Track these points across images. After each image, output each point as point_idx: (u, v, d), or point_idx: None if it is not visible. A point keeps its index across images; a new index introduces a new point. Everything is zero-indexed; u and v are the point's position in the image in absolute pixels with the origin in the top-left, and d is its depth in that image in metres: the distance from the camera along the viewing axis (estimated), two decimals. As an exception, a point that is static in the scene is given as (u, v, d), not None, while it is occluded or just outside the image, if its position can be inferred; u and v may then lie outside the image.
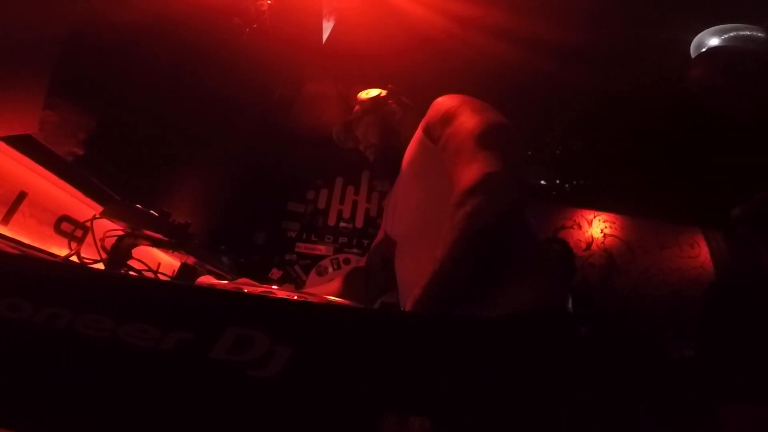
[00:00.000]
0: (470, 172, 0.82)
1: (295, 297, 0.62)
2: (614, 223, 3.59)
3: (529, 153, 3.29)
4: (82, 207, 1.34)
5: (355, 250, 3.13)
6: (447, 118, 0.98)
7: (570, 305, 0.83)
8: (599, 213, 3.62)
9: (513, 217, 0.83)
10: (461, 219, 0.77)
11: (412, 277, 0.93)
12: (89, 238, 1.06)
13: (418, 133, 1.08)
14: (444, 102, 1.04)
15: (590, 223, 3.57)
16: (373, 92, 1.33)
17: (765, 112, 2.23)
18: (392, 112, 1.29)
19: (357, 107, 1.34)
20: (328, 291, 1.23)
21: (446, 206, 0.83)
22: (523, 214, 0.92)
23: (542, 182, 3.59)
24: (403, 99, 1.32)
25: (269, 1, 1.83)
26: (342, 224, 3.21)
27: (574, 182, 3.56)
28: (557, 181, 3.58)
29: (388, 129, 1.27)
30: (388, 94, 1.32)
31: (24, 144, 1.07)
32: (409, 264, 1.02)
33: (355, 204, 3.30)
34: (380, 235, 1.39)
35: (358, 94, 1.34)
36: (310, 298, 0.70)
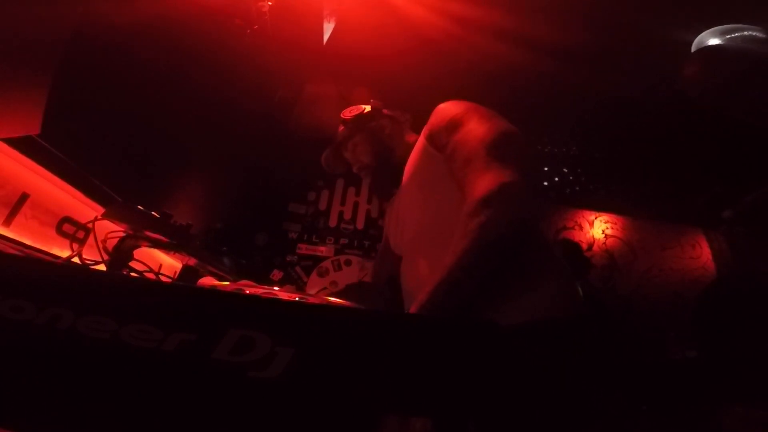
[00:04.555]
0: (484, 181, 0.81)
1: (297, 298, 0.62)
2: (615, 223, 3.59)
3: (540, 155, 3.30)
4: (84, 208, 1.35)
5: (356, 252, 3.13)
6: (453, 125, 0.96)
7: (582, 314, 0.82)
8: (600, 214, 3.62)
9: (527, 228, 0.82)
10: (474, 228, 0.76)
11: (418, 285, 0.92)
12: (91, 240, 1.06)
13: (421, 140, 1.06)
14: (448, 109, 1.01)
15: (591, 224, 3.57)
16: (356, 110, 1.28)
17: (759, 112, 2.23)
18: (381, 128, 1.25)
19: (341, 128, 1.29)
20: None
21: (454, 215, 0.82)
22: (536, 223, 0.91)
23: (543, 183, 3.59)
24: (386, 112, 1.28)
25: (270, 3, 1.84)
26: (343, 225, 3.21)
27: (576, 183, 3.56)
28: (558, 182, 3.58)
29: (379, 145, 1.23)
30: (372, 109, 1.27)
31: (26, 145, 1.07)
32: (415, 273, 1.00)
33: (356, 205, 3.30)
34: (382, 249, 1.37)
35: (341, 114, 1.29)
36: (312, 300, 0.70)
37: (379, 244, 1.41)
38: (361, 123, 1.26)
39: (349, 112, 1.28)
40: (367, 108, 1.28)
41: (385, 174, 1.23)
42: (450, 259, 0.75)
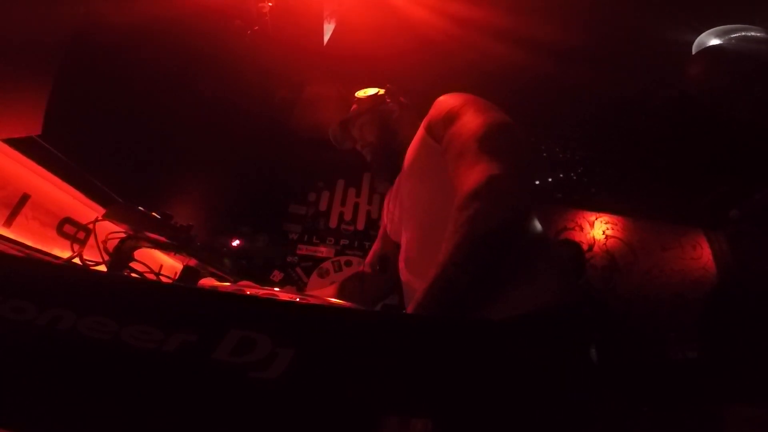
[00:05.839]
0: (474, 174, 0.80)
1: (297, 299, 0.62)
2: (616, 224, 3.58)
3: (533, 154, 3.29)
4: (85, 209, 1.35)
5: (356, 252, 3.13)
6: (450, 118, 0.96)
7: (578, 305, 0.82)
8: (601, 214, 3.61)
9: (518, 221, 0.81)
10: (464, 223, 0.75)
11: (417, 279, 0.92)
12: (91, 241, 1.06)
13: (421, 131, 1.07)
14: (447, 100, 1.02)
15: (592, 225, 3.57)
16: (371, 91, 1.32)
17: (762, 112, 2.23)
18: (390, 111, 1.28)
19: (354, 106, 1.33)
20: (326, 294, 1.23)
21: (451, 206, 0.81)
22: (530, 216, 0.90)
23: (544, 184, 3.59)
24: (400, 98, 1.31)
25: (270, 4, 1.84)
26: (343, 226, 3.21)
27: (576, 184, 3.55)
28: (559, 183, 3.57)
29: (386, 128, 1.26)
30: (386, 93, 1.31)
31: (27, 146, 1.07)
32: (414, 266, 1.01)
33: (356, 206, 3.30)
34: (380, 236, 1.39)
35: (356, 93, 1.34)
36: (312, 301, 0.70)
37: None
38: (373, 104, 1.29)
39: (364, 92, 1.33)
40: (381, 91, 1.31)
41: (385, 156, 1.25)
42: (443, 255, 0.75)
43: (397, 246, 1.16)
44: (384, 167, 1.28)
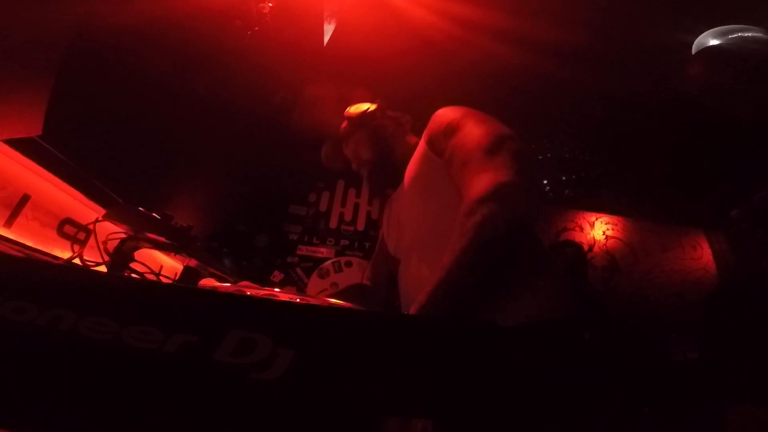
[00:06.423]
0: (481, 181, 0.81)
1: (298, 300, 0.62)
2: (616, 225, 3.58)
3: (540, 158, 3.30)
4: (85, 210, 1.35)
5: (356, 253, 3.13)
6: (451, 130, 0.97)
7: (580, 316, 0.82)
8: (601, 215, 3.61)
9: (523, 227, 0.82)
10: (471, 228, 0.76)
11: (417, 287, 0.92)
12: (92, 241, 1.06)
13: (421, 145, 1.07)
14: (446, 113, 1.03)
15: (592, 225, 3.56)
16: (363, 107, 1.29)
17: (762, 112, 2.23)
18: (384, 127, 1.26)
19: (345, 123, 1.31)
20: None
21: (453, 220, 0.82)
22: (533, 223, 0.91)
23: (544, 183, 3.59)
24: (390, 113, 1.29)
25: (271, 4, 1.84)
26: (343, 227, 3.21)
27: (576, 184, 3.55)
28: (559, 184, 3.57)
29: (380, 143, 1.24)
30: (377, 108, 1.29)
31: (27, 147, 1.07)
32: (414, 275, 1.00)
33: (356, 207, 3.30)
34: (378, 250, 1.38)
35: (346, 110, 1.31)
36: (313, 301, 0.70)
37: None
38: (365, 121, 1.27)
39: (356, 109, 1.30)
40: (372, 107, 1.28)
41: (383, 171, 1.24)
42: (448, 259, 0.76)
43: (397, 259, 1.16)
44: (382, 181, 1.27)
